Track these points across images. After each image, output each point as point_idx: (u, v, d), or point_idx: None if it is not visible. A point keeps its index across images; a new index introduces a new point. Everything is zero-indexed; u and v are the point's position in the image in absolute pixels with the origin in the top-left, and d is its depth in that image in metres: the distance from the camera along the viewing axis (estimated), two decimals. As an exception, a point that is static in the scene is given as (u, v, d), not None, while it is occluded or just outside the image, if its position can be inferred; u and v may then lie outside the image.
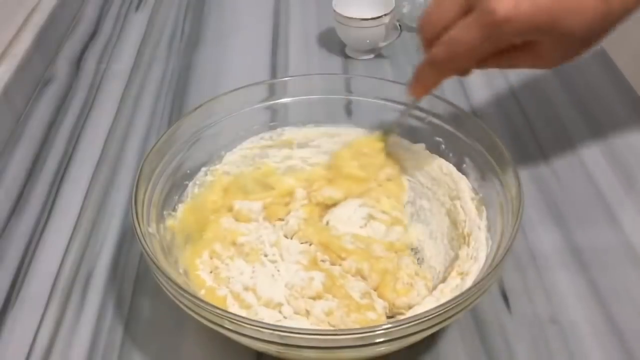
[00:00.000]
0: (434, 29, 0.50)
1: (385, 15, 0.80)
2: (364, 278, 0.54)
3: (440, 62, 0.50)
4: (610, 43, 0.68)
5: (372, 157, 0.60)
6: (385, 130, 0.60)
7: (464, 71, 0.55)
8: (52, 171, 0.70)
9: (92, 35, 0.92)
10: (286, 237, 0.59)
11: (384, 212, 0.60)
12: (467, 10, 0.48)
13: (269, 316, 0.51)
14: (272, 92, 0.63)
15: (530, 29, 0.47)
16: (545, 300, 0.55)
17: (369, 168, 0.61)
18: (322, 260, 0.56)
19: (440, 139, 0.60)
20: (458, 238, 0.55)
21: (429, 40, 0.51)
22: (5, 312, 0.56)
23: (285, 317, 0.52)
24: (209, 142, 0.61)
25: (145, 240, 0.48)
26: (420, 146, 0.61)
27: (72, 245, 0.61)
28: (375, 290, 0.54)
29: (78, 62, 0.87)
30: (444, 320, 0.44)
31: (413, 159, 0.61)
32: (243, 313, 0.51)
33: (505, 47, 0.50)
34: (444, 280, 0.53)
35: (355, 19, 0.80)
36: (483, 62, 0.52)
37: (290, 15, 0.94)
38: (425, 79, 0.53)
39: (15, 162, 0.71)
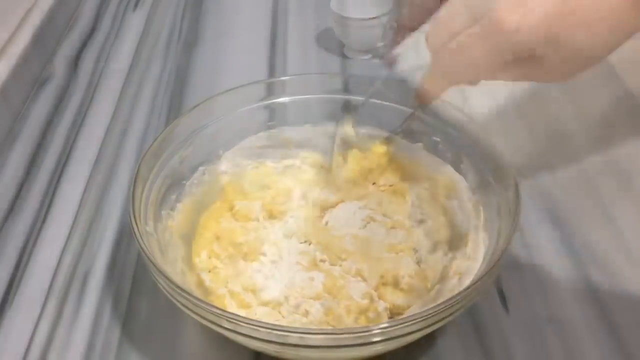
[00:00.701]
0: (441, 37, 0.50)
1: (383, 15, 0.80)
2: (364, 279, 0.54)
3: (445, 71, 0.50)
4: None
5: (374, 162, 0.60)
6: (389, 135, 0.60)
7: (471, 80, 0.54)
8: (49, 170, 0.70)
9: (90, 34, 0.92)
10: (286, 237, 0.59)
11: (385, 215, 0.60)
12: (476, 20, 0.47)
13: (268, 316, 0.51)
14: (270, 92, 0.63)
15: (538, 41, 0.46)
16: (542, 300, 0.55)
17: (369, 173, 0.60)
18: (322, 261, 0.56)
19: (438, 139, 0.60)
20: (456, 238, 0.55)
21: (436, 48, 0.51)
22: (3, 311, 0.56)
23: (284, 317, 0.52)
24: (206, 141, 0.60)
25: (142, 240, 0.48)
26: (418, 146, 0.61)
27: (70, 244, 0.61)
28: (375, 291, 0.54)
29: (76, 61, 0.87)
30: (441, 320, 0.44)
31: (411, 159, 0.61)
32: (242, 313, 0.51)
33: (513, 58, 0.48)
34: (441, 280, 0.53)
35: (353, 18, 0.80)
36: (490, 73, 0.50)
37: (289, 15, 0.94)
38: (431, 85, 0.53)
39: (12, 161, 0.71)
